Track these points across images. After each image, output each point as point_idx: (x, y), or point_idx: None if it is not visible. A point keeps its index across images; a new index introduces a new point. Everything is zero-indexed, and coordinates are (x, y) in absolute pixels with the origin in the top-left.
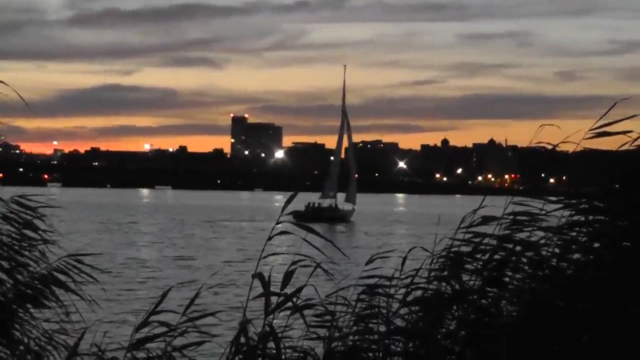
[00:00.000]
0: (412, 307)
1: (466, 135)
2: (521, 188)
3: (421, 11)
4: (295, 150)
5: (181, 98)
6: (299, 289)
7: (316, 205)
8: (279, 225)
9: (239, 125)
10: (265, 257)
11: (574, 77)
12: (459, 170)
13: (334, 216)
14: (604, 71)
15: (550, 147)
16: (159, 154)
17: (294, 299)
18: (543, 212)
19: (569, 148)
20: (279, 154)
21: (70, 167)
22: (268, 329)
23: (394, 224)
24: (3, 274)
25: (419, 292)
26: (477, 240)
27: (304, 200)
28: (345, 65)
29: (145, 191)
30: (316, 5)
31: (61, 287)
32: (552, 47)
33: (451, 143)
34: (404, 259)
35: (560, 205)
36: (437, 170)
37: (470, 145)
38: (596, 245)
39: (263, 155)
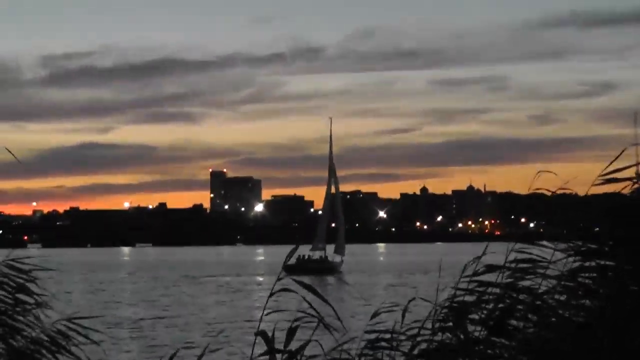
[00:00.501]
0: None
1: (445, 182)
2: (498, 233)
3: (394, 59)
4: (274, 203)
5: (159, 154)
6: (303, 346)
7: (306, 257)
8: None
9: (218, 180)
10: (267, 314)
11: (548, 121)
12: (439, 218)
13: (324, 268)
14: (577, 113)
15: (549, 193)
16: (138, 212)
17: (298, 356)
18: (546, 260)
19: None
20: (259, 207)
21: (50, 227)
22: None
23: (382, 274)
24: None
25: (423, 345)
26: (480, 289)
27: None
28: (331, 118)
29: (126, 249)
30: (291, 57)
31: (57, 352)
32: (525, 91)
33: (430, 190)
34: (404, 311)
35: (564, 255)
36: (417, 218)
37: (449, 192)
38: (602, 290)
39: (243, 209)
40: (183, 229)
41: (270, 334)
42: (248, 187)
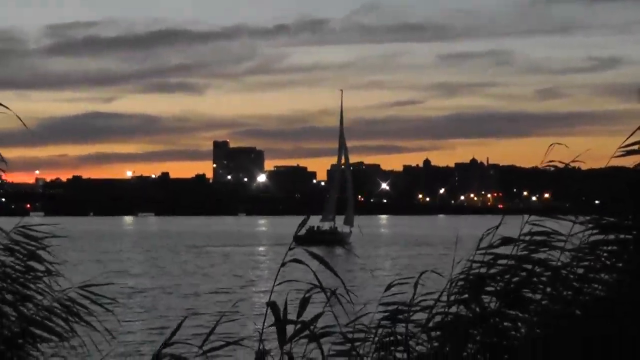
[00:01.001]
0: (432, 333)
1: (448, 154)
2: (502, 206)
3: (400, 32)
4: (277, 174)
5: (162, 124)
6: (316, 317)
7: (315, 228)
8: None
9: (220, 150)
10: (278, 284)
11: (554, 95)
12: (442, 190)
13: (334, 239)
14: (583, 88)
15: (562, 165)
16: (141, 181)
17: (312, 327)
18: (558, 232)
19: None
20: (261, 178)
21: (53, 195)
22: (287, 358)
23: (390, 246)
24: (8, 307)
25: (438, 317)
26: (496, 261)
27: (291, 224)
28: (341, 90)
29: (128, 218)
30: (296, 29)
31: (70, 320)
32: (532, 65)
33: (433, 163)
34: (416, 283)
35: (583, 228)
36: (419, 190)
37: (452, 164)
38: (621, 264)
39: (245, 179)
40: (185, 199)
41: (281, 305)
42: (251, 158)
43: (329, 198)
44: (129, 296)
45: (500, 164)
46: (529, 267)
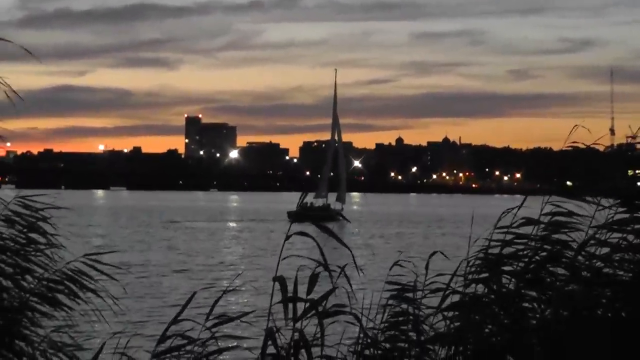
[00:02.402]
0: (446, 313)
1: (420, 133)
2: (476, 186)
3: (374, 10)
4: (249, 150)
5: (135, 99)
6: (326, 294)
7: (308, 204)
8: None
9: (193, 126)
10: (284, 259)
11: (526, 76)
12: (414, 169)
13: (327, 215)
14: (555, 69)
15: (584, 146)
16: (113, 155)
17: (323, 304)
18: (578, 215)
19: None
20: (233, 153)
21: (24, 168)
22: (298, 336)
23: (370, 224)
24: (7, 281)
25: (455, 296)
26: (516, 241)
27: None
28: (336, 69)
29: (100, 192)
30: (269, 5)
31: (72, 290)
32: (505, 46)
33: (405, 141)
34: (427, 264)
35: (610, 209)
36: (391, 169)
37: (424, 143)
38: None
39: (217, 155)
40: (158, 174)
41: (287, 281)
42: (223, 134)
43: (322, 175)
44: (124, 273)
45: (473, 144)
46: (550, 247)
